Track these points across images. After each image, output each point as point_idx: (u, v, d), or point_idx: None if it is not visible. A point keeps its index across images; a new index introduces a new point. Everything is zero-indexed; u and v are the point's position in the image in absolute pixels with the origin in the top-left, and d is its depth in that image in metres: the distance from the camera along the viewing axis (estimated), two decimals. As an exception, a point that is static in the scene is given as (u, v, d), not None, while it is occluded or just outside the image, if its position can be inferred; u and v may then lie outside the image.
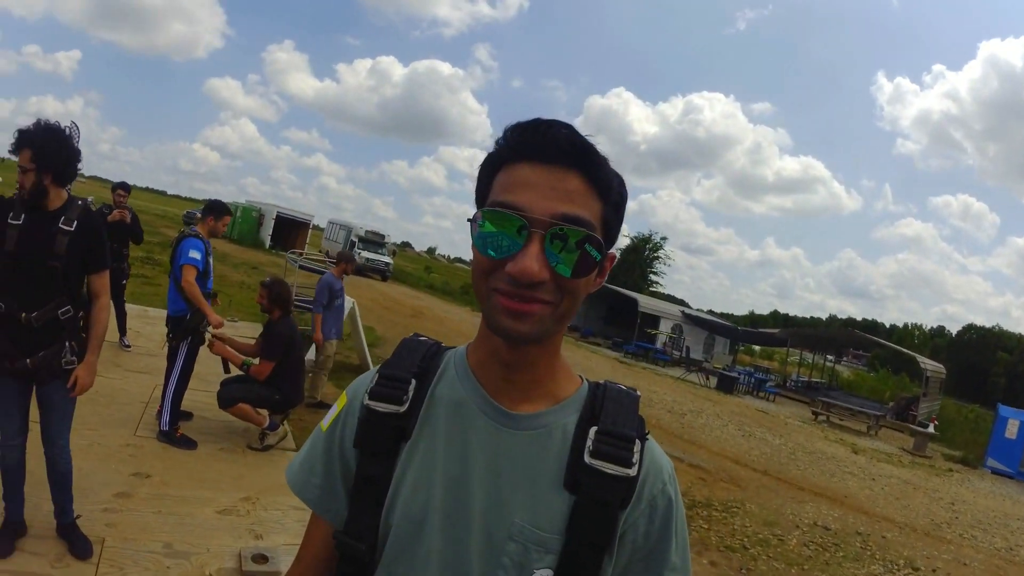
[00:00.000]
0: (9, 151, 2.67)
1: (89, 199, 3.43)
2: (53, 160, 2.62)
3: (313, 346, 6.51)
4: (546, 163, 0.76)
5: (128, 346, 7.24)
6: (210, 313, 4.56)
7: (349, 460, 0.88)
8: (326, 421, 0.93)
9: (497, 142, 0.80)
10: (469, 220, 0.80)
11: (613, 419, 0.83)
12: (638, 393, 0.89)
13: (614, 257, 0.84)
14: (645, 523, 0.83)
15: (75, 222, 2.70)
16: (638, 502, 0.82)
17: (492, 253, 0.75)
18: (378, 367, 0.91)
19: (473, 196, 0.85)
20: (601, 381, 0.91)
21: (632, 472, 0.80)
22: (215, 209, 4.99)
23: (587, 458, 0.80)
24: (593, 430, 0.82)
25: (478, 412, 0.84)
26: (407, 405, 0.85)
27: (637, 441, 0.82)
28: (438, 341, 0.95)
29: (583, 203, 0.76)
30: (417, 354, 0.90)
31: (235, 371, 4.98)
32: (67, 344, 2.74)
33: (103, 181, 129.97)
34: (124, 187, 6.96)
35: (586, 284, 0.79)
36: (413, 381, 0.87)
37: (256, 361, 4.90)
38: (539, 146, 0.76)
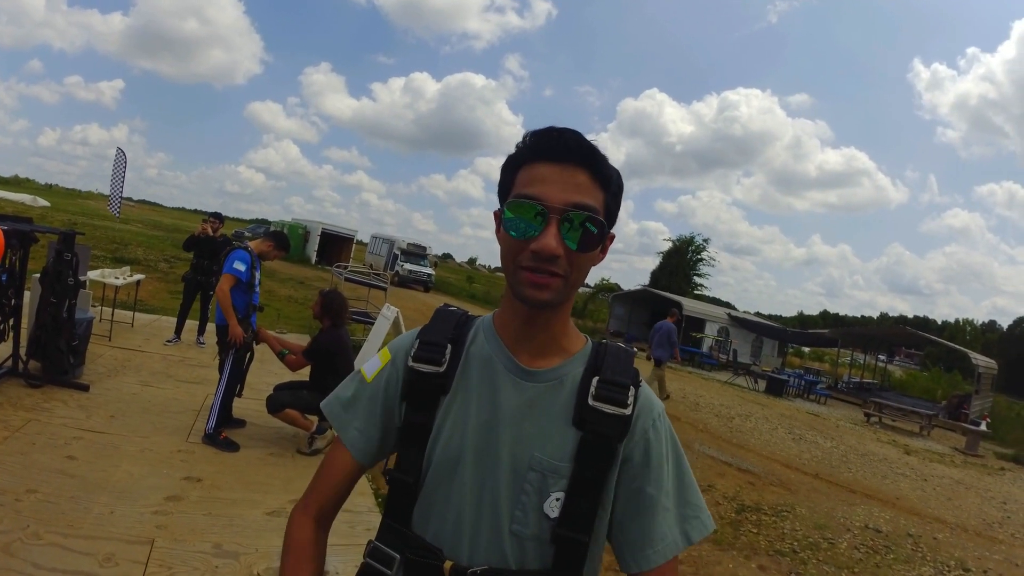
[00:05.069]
0: None
1: None
2: None
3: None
4: (559, 162, 0.92)
5: (203, 343, 7.96)
6: (233, 324, 4.68)
7: (394, 410, 1.05)
8: (370, 372, 1.09)
9: (517, 145, 0.97)
10: (495, 212, 0.99)
11: (612, 369, 0.99)
12: (635, 350, 1.06)
13: (613, 236, 1.00)
14: (640, 453, 0.99)
15: None
16: (632, 435, 0.98)
17: (516, 235, 0.91)
18: (417, 332, 1.08)
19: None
20: (603, 340, 1.08)
21: (627, 412, 0.96)
22: (278, 239, 5.24)
23: (590, 401, 0.96)
24: (595, 379, 0.98)
25: (503, 370, 1.00)
26: (445, 366, 1.02)
27: (631, 387, 0.98)
28: (466, 311, 1.11)
29: (590, 193, 0.93)
30: (450, 322, 1.07)
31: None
32: None
33: (153, 205, 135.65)
34: (216, 216, 8.23)
35: (591, 258, 0.96)
36: (449, 346, 1.03)
37: (290, 353, 4.97)
38: (553, 148, 0.93)
